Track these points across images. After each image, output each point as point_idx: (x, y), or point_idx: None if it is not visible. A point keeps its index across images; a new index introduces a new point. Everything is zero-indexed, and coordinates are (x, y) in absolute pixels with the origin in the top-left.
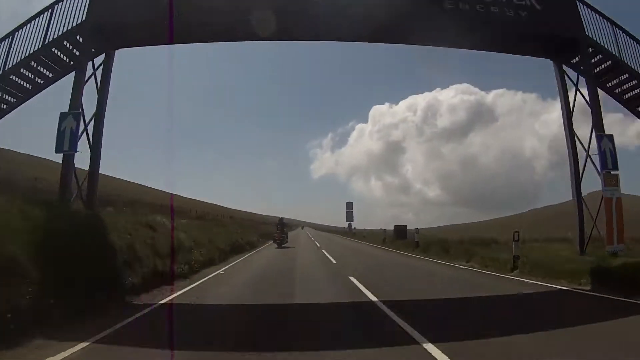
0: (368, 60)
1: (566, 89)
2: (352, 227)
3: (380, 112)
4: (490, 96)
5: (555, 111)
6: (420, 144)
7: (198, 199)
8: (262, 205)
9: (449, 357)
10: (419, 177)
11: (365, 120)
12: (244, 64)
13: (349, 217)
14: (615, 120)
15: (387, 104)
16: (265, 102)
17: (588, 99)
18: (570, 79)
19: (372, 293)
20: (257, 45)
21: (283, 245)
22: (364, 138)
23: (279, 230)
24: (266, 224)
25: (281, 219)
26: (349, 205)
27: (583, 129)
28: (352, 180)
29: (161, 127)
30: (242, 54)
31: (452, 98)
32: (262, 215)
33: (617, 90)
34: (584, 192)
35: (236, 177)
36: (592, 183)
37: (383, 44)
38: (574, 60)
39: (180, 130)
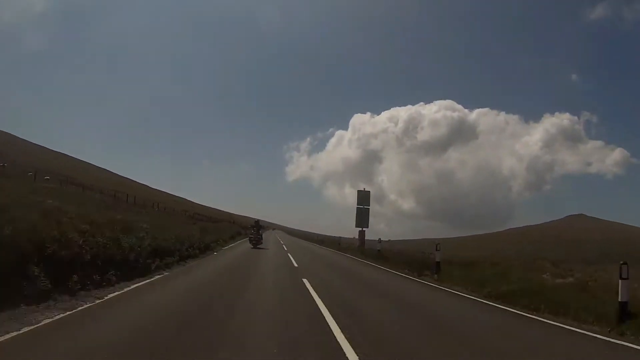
0: (353, 68)
1: None
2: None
3: (362, 121)
4: (474, 114)
5: (536, 133)
6: (399, 154)
7: (169, 192)
8: (232, 204)
9: None
10: (394, 188)
11: (346, 128)
12: (230, 63)
13: (361, 218)
14: (596, 147)
15: (368, 113)
16: (246, 100)
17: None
18: None
19: None
20: (245, 44)
21: (258, 246)
22: (343, 145)
23: (254, 232)
24: (217, 221)
25: (257, 221)
26: (363, 198)
27: (562, 152)
28: (326, 185)
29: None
30: (230, 52)
31: (434, 113)
32: (226, 213)
33: None
34: (564, 214)
35: (208, 172)
36: (575, 206)
37: (370, 51)
38: None
39: (159, 127)
